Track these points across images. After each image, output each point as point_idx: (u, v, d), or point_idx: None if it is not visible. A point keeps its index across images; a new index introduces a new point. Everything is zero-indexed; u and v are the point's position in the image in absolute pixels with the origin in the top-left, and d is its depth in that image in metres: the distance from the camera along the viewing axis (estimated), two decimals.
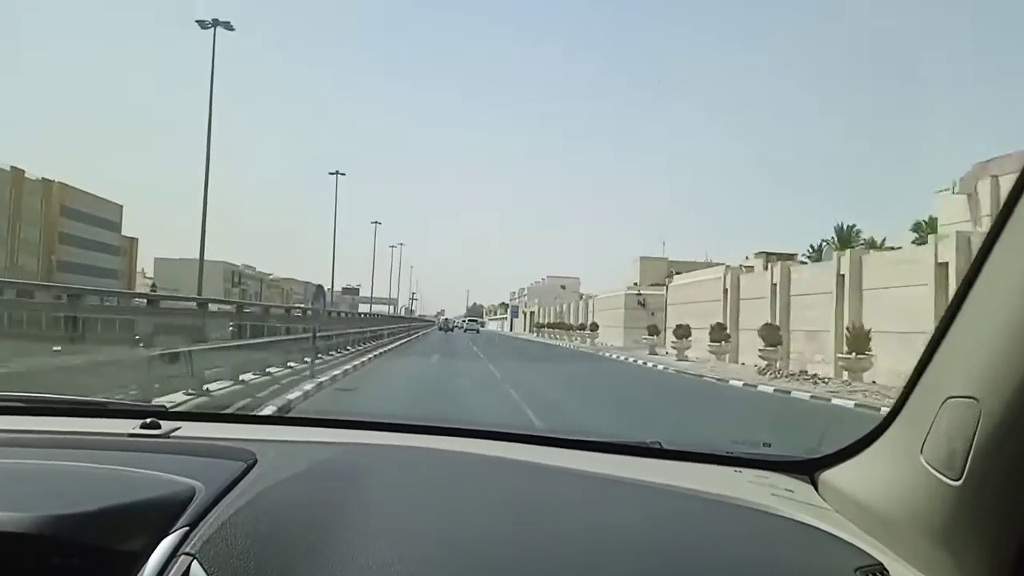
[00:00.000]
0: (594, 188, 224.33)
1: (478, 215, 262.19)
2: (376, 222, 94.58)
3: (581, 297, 68.75)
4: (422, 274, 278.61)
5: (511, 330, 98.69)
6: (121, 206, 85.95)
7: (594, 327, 47.65)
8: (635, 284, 67.40)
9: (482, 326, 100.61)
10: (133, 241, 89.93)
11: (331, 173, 60.07)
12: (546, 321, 70.87)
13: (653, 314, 41.89)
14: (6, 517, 0.77)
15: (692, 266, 70.40)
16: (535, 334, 70.83)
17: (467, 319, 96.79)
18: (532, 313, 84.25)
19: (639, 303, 45.98)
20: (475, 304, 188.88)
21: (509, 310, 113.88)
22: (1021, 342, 0.70)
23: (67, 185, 73.03)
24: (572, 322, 57.37)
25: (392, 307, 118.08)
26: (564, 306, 69.17)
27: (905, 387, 0.95)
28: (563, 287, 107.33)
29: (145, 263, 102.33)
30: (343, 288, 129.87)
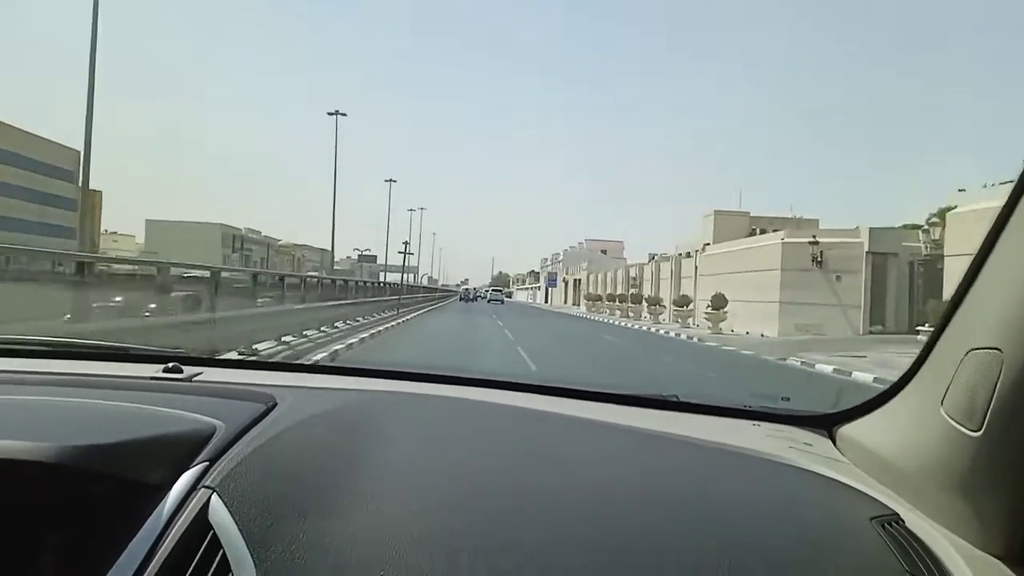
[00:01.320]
0: (635, 146, 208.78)
1: (505, 179, 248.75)
2: (391, 180, 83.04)
3: (652, 259, 51.71)
4: (445, 242, 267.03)
5: (546, 302, 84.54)
6: (77, 151, 72.03)
7: (718, 304, 26.66)
8: (705, 246, 53.51)
9: (508, 296, 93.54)
10: (95, 194, 76.20)
11: (330, 113, 46.50)
12: (600, 291, 54.17)
13: (839, 279, 24.03)
14: (30, 447, 0.78)
15: (781, 223, 56.60)
16: (584, 308, 54.68)
17: (491, 289, 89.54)
18: (577, 281, 68.43)
19: (815, 260, 24.41)
20: (500, 273, 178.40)
21: (543, 278, 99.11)
22: None
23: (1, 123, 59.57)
24: (644, 292, 41.82)
25: (413, 276, 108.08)
26: (623, 272, 52.57)
27: (928, 340, 0.94)
28: (604, 252, 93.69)
29: (136, 226, 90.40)
30: (359, 255, 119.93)
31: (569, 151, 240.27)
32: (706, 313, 27.04)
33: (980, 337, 0.79)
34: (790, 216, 60.35)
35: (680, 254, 45.52)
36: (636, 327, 31.46)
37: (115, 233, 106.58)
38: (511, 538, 0.76)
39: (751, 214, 59.24)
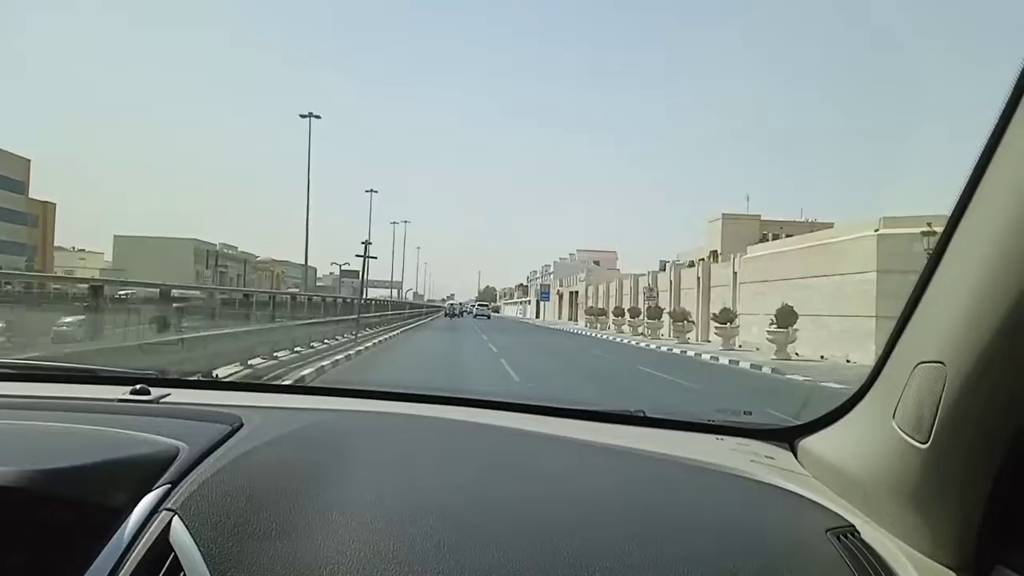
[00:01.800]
0: (627, 153, 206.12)
1: (490, 191, 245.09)
2: (372, 190, 78.97)
3: (664, 267, 45.55)
4: (430, 257, 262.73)
5: (538, 316, 79.73)
6: (28, 160, 66.37)
7: (786, 320, 20.69)
8: (712, 253, 49.11)
9: (496, 311, 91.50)
10: (46, 206, 70.62)
11: (303, 116, 41.87)
12: (603, 304, 48.77)
13: None
14: None
15: (794, 227, 52.70)
16: (584, 324, 48.72)
17: (477, 304, 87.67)
18: (574, 294, 62.61)
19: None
20: (487, 287, 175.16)
21: (533, 291, 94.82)
22: (985, 307, 0.72)
23: None
24: (660, 305, 35.24)
25: (397, 292, 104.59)
26: (630, 282, 45.28)
27: (881, 355, 0.96)
28: (597, 263, 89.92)
29: (103, 242, 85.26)
30: (341, 270, 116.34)
31: (557, 160, 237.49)
32: (769, 332, 21.07)
33: (927, 351, 0.81)
34: (802, 220, 56.74)
35: (707, 259, 40.14)
36: (663, 349, 25.03)
37: (82, 250, 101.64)
38: (478, 554, 0.76)
39: (761, 218, 55.49)
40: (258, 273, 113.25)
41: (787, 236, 35.53)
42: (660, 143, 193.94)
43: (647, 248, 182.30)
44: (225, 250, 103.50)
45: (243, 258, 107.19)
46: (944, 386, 0.76)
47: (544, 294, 66.94)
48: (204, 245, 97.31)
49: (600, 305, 48.75)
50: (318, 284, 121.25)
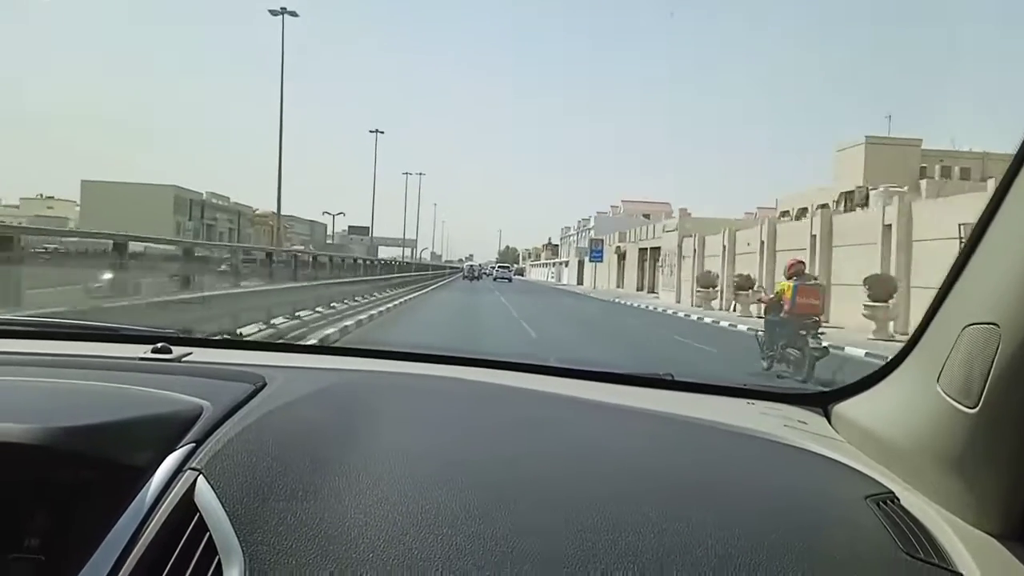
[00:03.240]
0: (672, 92, 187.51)
1: (510, 145, 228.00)
2: (377, 131, 63.92)
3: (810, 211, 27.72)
4: (448, 215, 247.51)
5: (580, 283, 63.66)
6: None
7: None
8: (860, 187, 33.04)
9: (520, 273, 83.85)
10: None
11: (274, 12, 30.58)
12: (733, 270, 26.32)
13: None
14: (15, 428, 0.77)
15: (958, 158, 36.72)
16: (699, 301, 27.12)
17: (497, 265, 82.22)
18: (646, 252, 41.00)
19: None
20: (508, 247, 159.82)
21: (571, 250, 78.81)
22: None
23: None
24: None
25: (411, 250, 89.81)
26: (768, 232, 25.22)
27: (924, 317, 0.93)
28: (647, 216, 73.95)
29: (70, 188, 71.70)
30: (350, 227, 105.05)
31: (587, 105, 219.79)
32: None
33: (977, 312, 0.79)
34: (966, 151, 40.30)
35: (840, 202, 25.11)
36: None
37: (51, 198, 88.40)
38: (507, 518, 0.75)
39: (922, 145, 39.06)
40: (256, 228, 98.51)
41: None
42: (729, 51, 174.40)
43: (714, 197, 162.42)
44: (214, 200, 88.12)
45: (236, 210, 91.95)
46: (998, 348, 0.73)
47: (595, 252, 48.46)
48: (187, 193, 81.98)
49: (708, 268, 29.01)
50: (328, 243, 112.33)
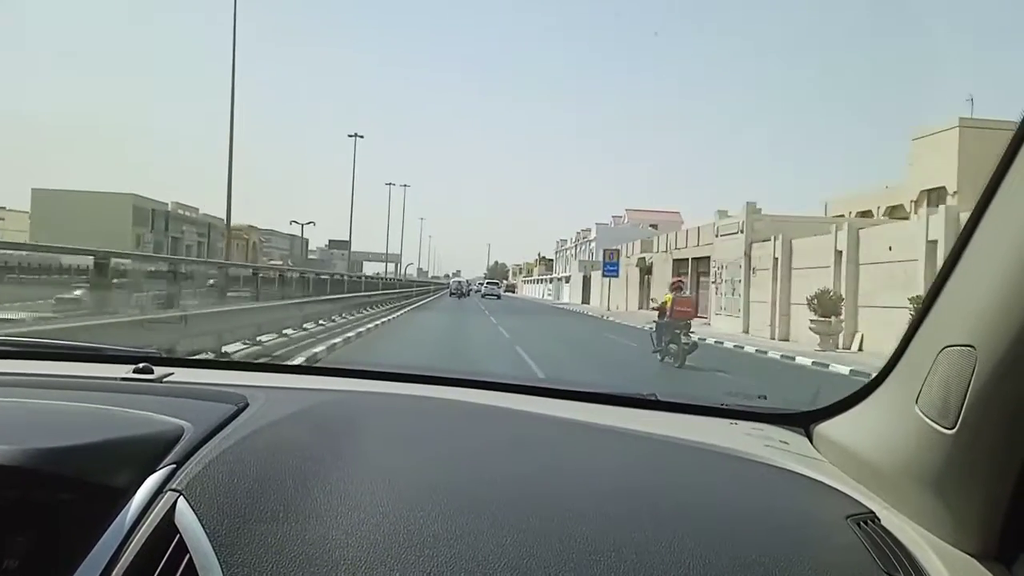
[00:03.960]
0: (673, 95, 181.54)
1: (499, 159, 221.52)
2: (356, 135, 57.63)
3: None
4: (435, 230, 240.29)
5: (585, 301, 55.78)
6: None
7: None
8: (927, 194, 25.19)
9: (511, 290, 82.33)
10: None
11: None
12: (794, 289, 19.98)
13: None
14: None
15: None
16: (821, 341, 17.61)
17: (486, 281, 79.43)
18: (684, 265, 30.55)
19: None
20: (496, 263, 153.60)
21: (569, 265, 70.70)
22: (1021, 289, 0.71)
23: None
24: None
25: (395, 266, 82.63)
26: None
27: (903, 339, 0.94)
28: (654, 226, 67.03)
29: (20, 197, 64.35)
30: (330, 241, 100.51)
31: (578, 117, 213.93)
32: None
33: (954, 334, 0.80)
34: None
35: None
36: None
37: (2, 208, 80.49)
38: (490, 538, 0.75)
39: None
40: (232, 240, 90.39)
41: None
42: (714, 87, 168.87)
43: (709, 207, 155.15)
44: (180, 211, 79.94)
45: (206, 222, 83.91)
46: (974, 370, 0.74)
47: (609, 265, 40.22)
48: (148, 203, 73.90)
49: (825, 287, 18.68)
50: (310, 258, 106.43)
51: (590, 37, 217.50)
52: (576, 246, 78.77)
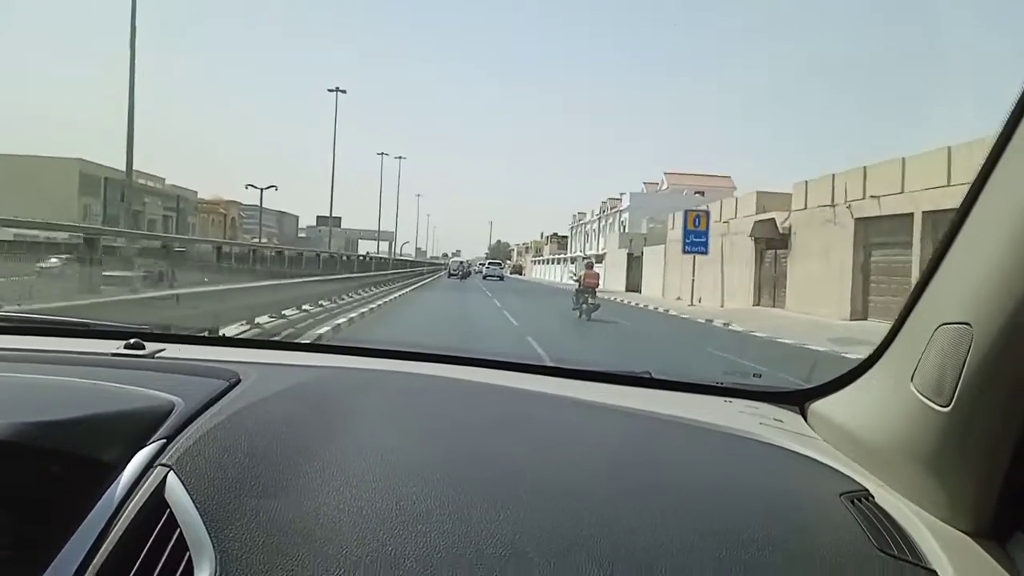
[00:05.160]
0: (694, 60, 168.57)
1: (502, 133, 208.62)
2: (339, 89, 47.04)
3: None
4: (433, 207, 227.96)
5: (641, 289, 41.40)
6: None
7: None
8: None
9: (517, 272, 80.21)
10: None
11: None
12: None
13: None
14: None
15: None
16: None
17: (487, 262, 73.79)
18: (878, 222, 16.99)
19: None
20: (499, 242, 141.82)
21: (604, 238, 57.49)
22: (1017, 267, 0.71)
23: None
24: None
25: (390, 245, 79.32)
26: None
27: (899, 316, 0.95)
28: (700, 192, 55.01)
29: None
30: (318, 218, 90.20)
31: (588, 86, 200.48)
32: None
33: (950, 312, 0.80)
34: None
35: None
36: None
37: None
38: (482, 514, 0.75)
39: None
40: (201, 216, 78.28)
41: None
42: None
43: (767, 170, 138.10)
44: (142, 181, 67.01)
45: (174, 194, 71.20)
46: (970, 348, 0.74)
47: (694, 237, 26.21)
48: (99, 170, 61.01)
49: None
50: (300, 236, 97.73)
51: (603, 7, 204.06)
52: (601, 219, 66.49)
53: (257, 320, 10.66)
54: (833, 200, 19.58)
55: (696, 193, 56.31)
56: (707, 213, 27.52)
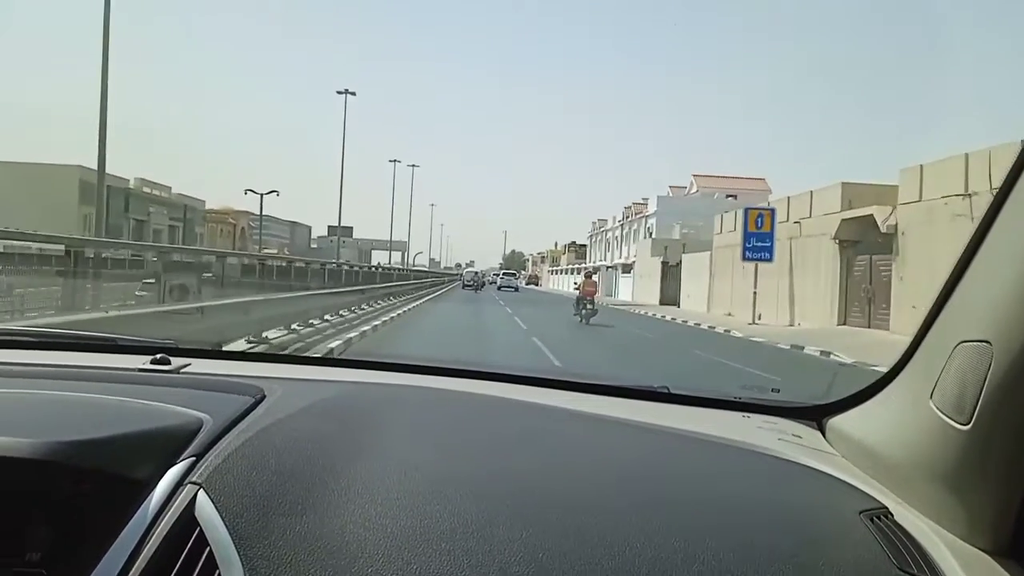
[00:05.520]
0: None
1: (516, 142, 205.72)
2: (347, 91, 44.72)
3: None
4: (447, 217, 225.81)
5: (680, 303, 36.79)
6: None
7: None
8: None
9: (532, 282, 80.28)
10: None
11: None
12: None
13: None
14: (16, 443, 0.78)
15: None
16: None
17: (502, 272, 72.69)
18: None
19: None
20: (512, 252, 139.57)
21: (631, 246, 52.69)
22: None
23: None
24: None
25: (403, 255, 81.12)
26: None
27: (917, 333, 0.94)
28: (732, 196, 51.40)
29: None
30: (329, 228, 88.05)
31: (609, 92, 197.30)
32: None
33: (970, 329, 0.79)
34: None
35: None
36: None
37: None
38: (504, 532, 0.75)
39: None
40: (210, 226, 75.48)
41: None
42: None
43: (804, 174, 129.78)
44: (145, 189, 64.15)
45: (181, 203, 68.33)
46: (990, 366, 0.74)
47: (757, 241, 22.16)
48: (98, 176, 58.07)
49: None
50: (312, 247, 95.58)
51: (611, 17, 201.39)
52: (624, 225, 62.71)
53: (265, 334, 10.04)
54: (967, 188, 14.87)
55: (728, 196, 52.60)
56: (772, 212, 23.39)
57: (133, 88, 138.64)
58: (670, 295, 37.83)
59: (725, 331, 20.38)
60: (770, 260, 22.76)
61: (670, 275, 38.84)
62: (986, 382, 0.74)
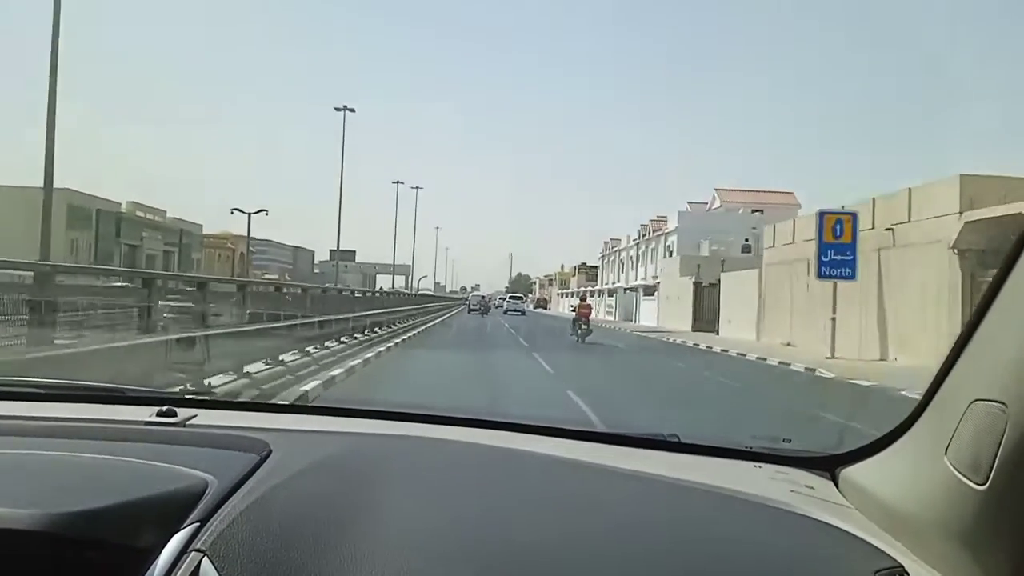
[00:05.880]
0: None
1: (522, 165, 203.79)
2: (346, 107, 41.47)
3: None
4: (452, 240, 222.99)
5: (720, 330, 32.63)
6: None
7: None
8: None
9: (541, 306, 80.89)
10: None
11: None
12: None
13: None
14: (20, 514, 0.79)
15: None
16: None
17: (508, 296, 70.93)
18: None
19: None
20: (519, 275, 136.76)
21: (651, 266, 48.83)
22: None
23: None
24: None
25: (406, 279, 78.37)
26: None
27: (931, 385, 0.95)
28: (759, 211, 47.96)
29: None
30: (330, 252, 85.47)
31: (612, 113, 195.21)
32: None
33: (984, 388, 0.79)
34: None
35: None
36: None
37: None
38: None
39: None
40: (207, 251, 72.48)
41: None
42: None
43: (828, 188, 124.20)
44: (139, 213, 60.96)
45: (176, 228, 65.17)
46: (1006, 428, 0.74)
47: (835, 253, 18.17)
48: (91, 201, 55.08)
49: None
50: (315, 272, 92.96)
51: (621, 28, 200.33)
52: (640, 244, 59.16)
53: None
54: None
55: (754, 212, 49.03)
56: (853, 216, 19.16)
57: (124, 110, 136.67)
58: (705, 319, 33.67)
59: (808, 370, 15.96)
60: (852, 278, 18.88)
61: (704, 297, 34.80)
62: (1002, 444, 0.74)
